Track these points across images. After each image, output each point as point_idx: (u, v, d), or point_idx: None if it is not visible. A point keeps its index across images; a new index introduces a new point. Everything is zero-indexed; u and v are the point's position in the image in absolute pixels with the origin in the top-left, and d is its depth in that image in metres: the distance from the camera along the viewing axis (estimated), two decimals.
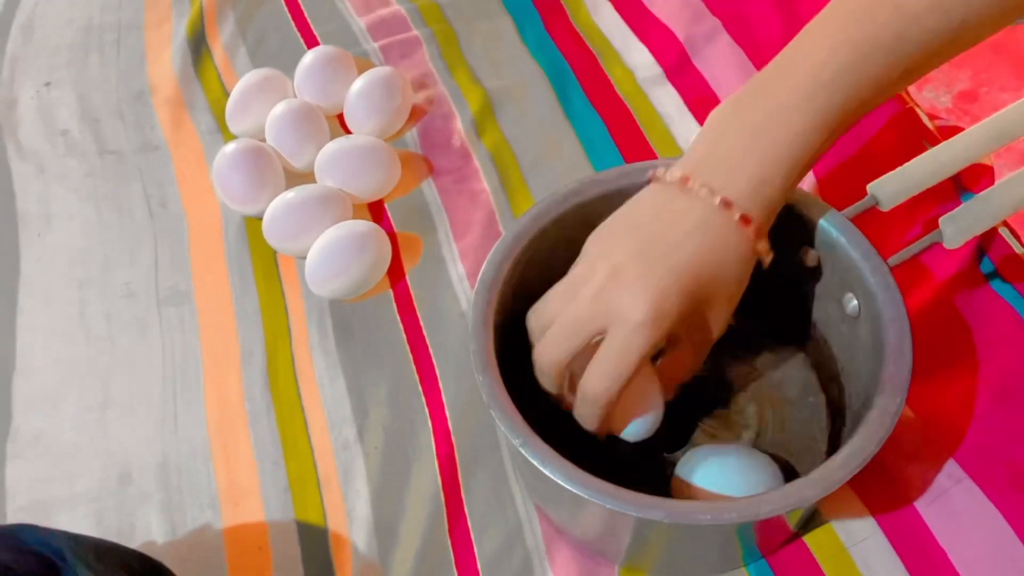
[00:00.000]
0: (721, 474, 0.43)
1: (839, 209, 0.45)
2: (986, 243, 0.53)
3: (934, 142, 0.57)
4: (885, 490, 0.46)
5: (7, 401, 0.54)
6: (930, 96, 1.55)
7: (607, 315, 0.40)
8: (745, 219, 0.41)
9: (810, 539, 0.46)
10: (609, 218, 0.43)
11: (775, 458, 0.46)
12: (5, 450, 0.52)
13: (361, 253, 0.56)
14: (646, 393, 0.43)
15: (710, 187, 0.41)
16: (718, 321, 0.43)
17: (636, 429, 0.44)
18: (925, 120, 0.60)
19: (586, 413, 0.42)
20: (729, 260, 0.41)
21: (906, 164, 0.46)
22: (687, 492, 0.43)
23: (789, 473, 0.46)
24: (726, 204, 0.40)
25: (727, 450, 0.45)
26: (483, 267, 0.46)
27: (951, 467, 0.46)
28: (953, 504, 0.45)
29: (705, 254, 0.41)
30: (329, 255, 0.55)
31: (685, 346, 0.45)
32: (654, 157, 0.61)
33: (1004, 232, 0.54)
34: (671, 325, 0.40)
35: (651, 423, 0.44)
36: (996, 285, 0.52)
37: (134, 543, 0.47)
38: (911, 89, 0.67)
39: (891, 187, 0.45)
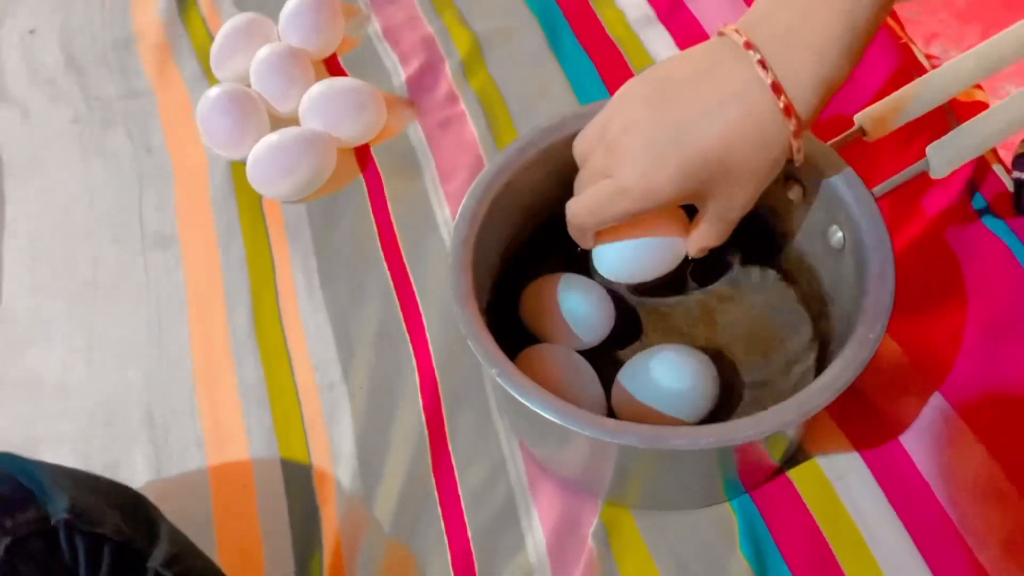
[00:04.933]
0: (654, 380, 0.43)
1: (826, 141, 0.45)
2: (979, 179, 0.52)
3: None
4: (870, 424, 0.46)
5: None
6: (938, 51, 1.52)
7: (608, 165, 0.41)
8: (789, 109, 0.38)
9: (794, 474, 0.45)
10: (659, 62, 0.42)
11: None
12: None
13: (305, 156, 0.56)
14: (634, 233, 0.45)
15: (765, 60, 0.38)
16: (737, 202, 0.41)
17: (609, 265, 0.46)
18: (919, 55, 0.59)
19: (571, 229, 0.45)
20: (760, 147, 0.39)
21: (894, 93, 0.45)
22: (623, 399, 0.44)
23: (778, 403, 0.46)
24: (776, 88, 0.37)
25: (660, 355, 0.44)
26: (463, 201, 0.45)
27: (936, 400, 0.46)
28: (938, 438, 0.45)
29: (734, 133, 0.39)
30: (272, 157, 0.56)
31: (703, 214, 0.43)
32: None
33: (998, 169, 0.53)
34: (667, 199, 0.40)
35: (627, 265, 0.46)
36: (988, 221, 0.51)
37: (119, 479, 0.48)
38: (919, 44, 0.66)
39: (878, 117, 0.45)
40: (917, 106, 0.45)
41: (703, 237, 0.44)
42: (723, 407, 0.46)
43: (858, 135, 0.45)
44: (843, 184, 0.43)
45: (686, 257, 0.46)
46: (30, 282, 0.56)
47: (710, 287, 0.50)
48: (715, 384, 0.44)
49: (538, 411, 0.38)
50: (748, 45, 0.38)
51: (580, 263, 0.49)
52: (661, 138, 0.39)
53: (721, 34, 0.40)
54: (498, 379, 0.39)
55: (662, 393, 0.43)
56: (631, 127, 0.40)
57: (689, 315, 0.49)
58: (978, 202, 0.52)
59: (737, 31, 0.39)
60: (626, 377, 0.45)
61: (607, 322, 0.47)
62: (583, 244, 0.46)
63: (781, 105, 0.38)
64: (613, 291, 0.49)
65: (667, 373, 0.43)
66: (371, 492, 0.47)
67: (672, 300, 0.50)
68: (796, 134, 0.39)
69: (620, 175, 0.40)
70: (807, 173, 0.45)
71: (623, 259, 0.45)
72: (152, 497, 0.43)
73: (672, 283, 0.49)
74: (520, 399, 0.38)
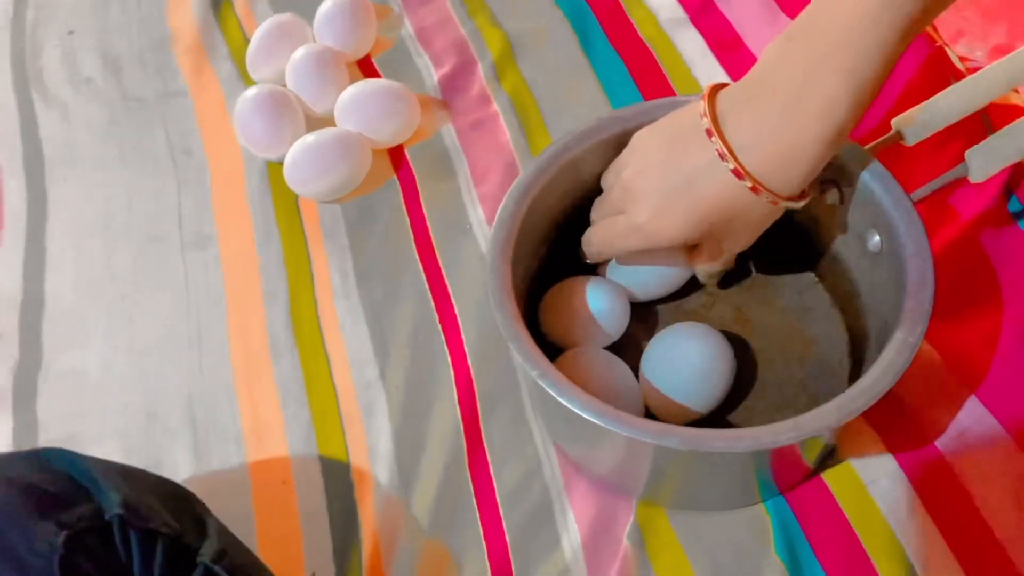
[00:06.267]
0: (676, 370, 0.45)
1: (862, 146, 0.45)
2: (1014, 182, 0.52)
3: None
4: (905, 429, 0.46)
5: (38, 340, 0.55)
6: (964, 50, 1.50)
7: (623, 203, 0.44)
8: (756, 189, 0.40)
9: (828, 476, 0.46)
10: (667, 115, 0.45)
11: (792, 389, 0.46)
12: (36, 386, 0.53)
13: (341, 157, 0.57)
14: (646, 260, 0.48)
15: (728, 142, 0.40)
16: (740, 242, 0.45)
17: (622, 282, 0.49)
18: (955, 60, 0.58)
19: (586, 257, 0.49)
20: (744, 212, 0.42)
21: (932, 98, 0.45)
22: (647, 390, 0.45)
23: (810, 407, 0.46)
24: (737, 174, 0.40)
25: (683, 339, 0.46)
26: (502, 204, 0.46)
27: (973, 405, 0.46)
28: (974, 442, 0.45)
29: (720, 199, 0.41)
30: (309, 157, 0.57)
31: (709, 247, 0.47)
32: None
33: None
34: (675, 242, 0.43)
35: (639, 284, 0.49)
36: None
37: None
38: (947, 38, 0.66)
39: (917, 121, 0.45)
40: (955, 111, 0.45)
41: (711, 268, 0.48)
42: (756, 405, 0.46)
43: (896, 139, 0.45)
44: (880, 188, 0.43)
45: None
46: (73, 281, 0.57)
47: (743, 288, 0.50)
48: (727, 355, 0.45)
49: (579, 412, 0.38)
50: (709, 132, 0.41)
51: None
52: (670, 184, 0.42)
53: (707, 99, 0.41)
54: (539, 381, 0.39)
55: (676, 365, 0.45)
56: (644, 171, 0.43)
57: (723, 315, 0.50)
58: (1014, 205, 0.52)
59: (705, 112, 0.41)
60: (645, 359, 0.46)
61: (627, 314, 0.48)
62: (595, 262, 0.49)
63: (748, 185, 0.40)
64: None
65: (678, 345, 0.45)
66: (408, 490, 0.48)
67: (706, 301, 0.50)
68: (774, 202, 0.41)
69: (632, 214, 0.44)
70: (844, 177, 0.45)
71: (634, 280, 0.49)
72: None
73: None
74: (561, 400, 0.38)
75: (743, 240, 0.45)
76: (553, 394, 0.38)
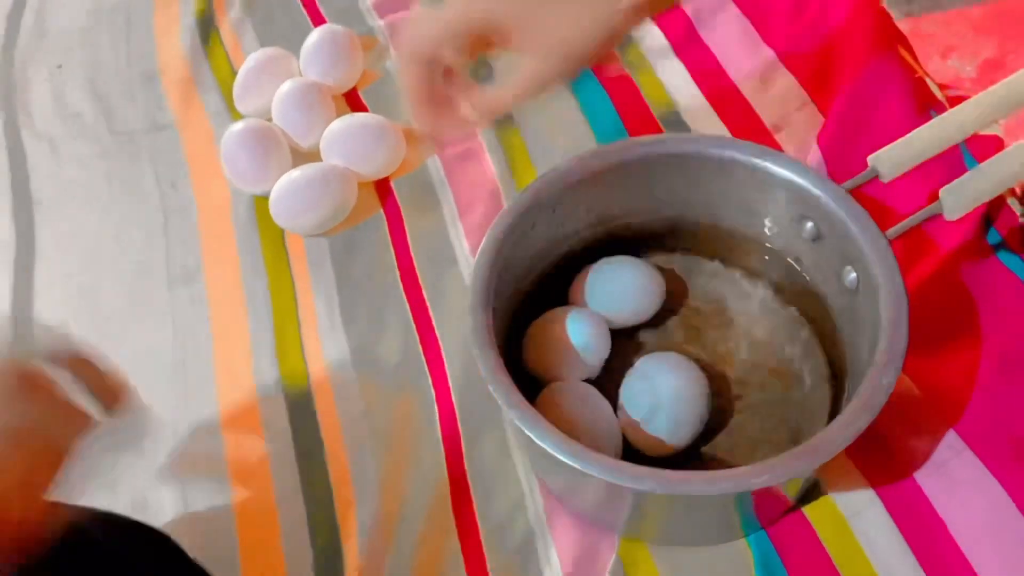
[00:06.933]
0: (651, 402, 0.45)
1: (841, 182, 0.45)
2: (993, 213, 0.53)
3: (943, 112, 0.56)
4: (885, 462, 0.46)
5: None
6: (954, 65, 1.51)
7: None
8: None
9: (810, 511, 0.46)
10: None
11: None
12: None
13: (327, 191, 0.57)
14: None
15: None
16: (557, 24, 0.35)
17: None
18: (935, 90, 0.59)
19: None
20: None
21: (909, 134, 0.46)
22: (625, 423, 0.46)
23: (789, 443, 0.46)
24: None
25: (657, 370, 0.46)
26: (482, 243, 0.46)
27: (951, 438, 0.46)
28: (953, 475, 0.45)
29: None
30: (295, 192, 0.57)
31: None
32: (659, 131, 0.61)
33: (1012, 203, 0.54)
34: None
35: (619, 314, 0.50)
36: (1003, 256, 0.51)
37: (147, 516, 0.49)
38: (935, 58, 0.66)
39: (892, 158, 0.45)
40: (932, 147, 0.45)
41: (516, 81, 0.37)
42: (736, 438, 0.47)
43: (872, 176, 0.45)
44: (856, 227, 0.43)
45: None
46: (59, 316, 0.58)
47: (724, 321, 0.51)
48: (703, 387, 0.46)
49: (556, 455, 0.38)
50: None
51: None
52: None
53: None
54: (517, 422, 0.39)
55: (652, 397, 0.45)
56: None
57: (703, 346, 0.50)
58: (993, 237, 0.52)
59: None
60: (622, 391, 0.47)
61: (607, 345, 0.49)
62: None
63: None
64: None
65: (653, 377, 0.45)
66: (392, 527, 0.48)
67: (688, 332, 0.51)
68: None
69: None
70: (821, 215, 0.45)
71: (612, 306, 0.49)
72: (179, 534, 0.44)
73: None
74: (539, 443, 0.39)
75: (561, 26, 0.35)
76: (532, 436, 0.39)
